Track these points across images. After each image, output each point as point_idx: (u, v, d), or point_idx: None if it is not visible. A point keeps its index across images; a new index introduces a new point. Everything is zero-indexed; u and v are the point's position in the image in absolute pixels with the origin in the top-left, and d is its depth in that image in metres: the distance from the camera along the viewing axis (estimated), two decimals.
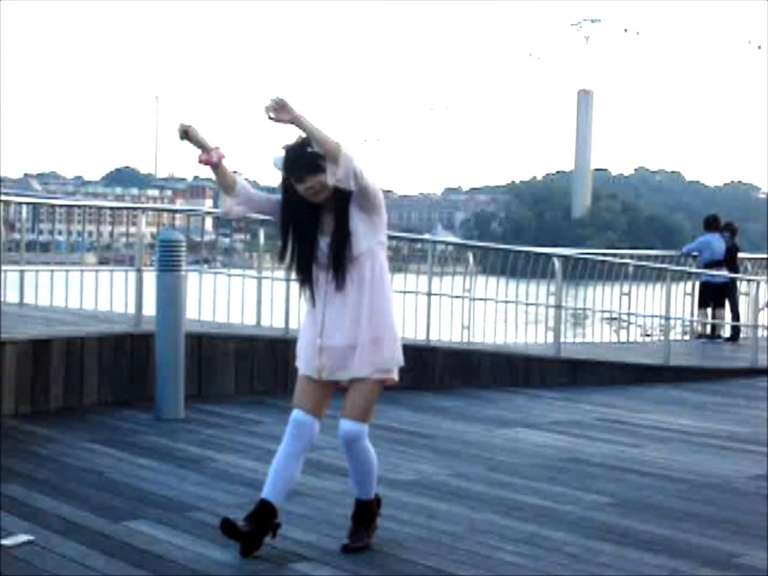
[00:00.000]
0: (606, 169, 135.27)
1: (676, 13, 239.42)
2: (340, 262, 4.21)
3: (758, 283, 13.37)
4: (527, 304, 11.86)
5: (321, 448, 6.02)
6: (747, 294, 13.91)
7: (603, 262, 13.12)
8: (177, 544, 4.40)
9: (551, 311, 11.08)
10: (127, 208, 10.63)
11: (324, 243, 4.26)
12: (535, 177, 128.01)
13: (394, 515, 4.97)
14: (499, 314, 11.25)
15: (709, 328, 14.36)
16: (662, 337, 12.22)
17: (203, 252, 11.64)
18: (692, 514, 5.34)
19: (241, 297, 9.43)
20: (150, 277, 7.87)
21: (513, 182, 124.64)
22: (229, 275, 9.82)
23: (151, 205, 14.21)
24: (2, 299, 8.27)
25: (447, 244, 12.83)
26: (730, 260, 14.32)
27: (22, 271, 9.38)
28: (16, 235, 10.00)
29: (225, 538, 4.29)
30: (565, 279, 11.26)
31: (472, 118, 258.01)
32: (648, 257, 15.15)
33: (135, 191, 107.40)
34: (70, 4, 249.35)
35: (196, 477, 5.65)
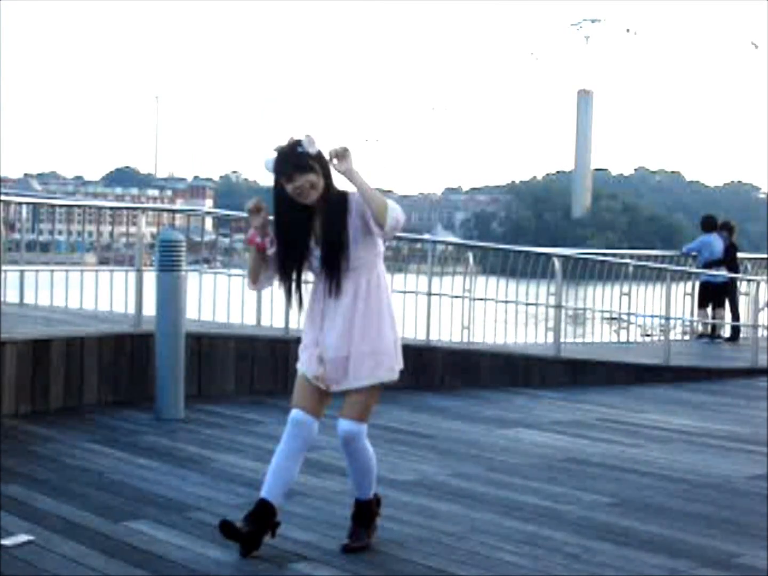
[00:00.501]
0: (606, 169, 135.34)
1: (676, 13, 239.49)
2: (333, 271, 4.21)
3: (758, 283, 13.37)
4: (527, 304, 11.86)
5: (321, 448, 6.03)
6: (747, 294, 13.92)
7: (603, 262, 13.13)
8: (177, 544, 4.40)
9: (551, 311, 11.08)
10: (127, 208, 10.65)
11: (318, 252, 4.27)
12: (535, 177, 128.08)
13: (394, 515, 4.97)
14: (499, 314, 11.25)
15: (709, 328, 14.36)
16: (662, 337, 12.22)
17: (203, 252, 11.64)
18: (692, 514, 5.34)
19: (241, 297, 9.43)
20: (150, 277, 7.87)
21: (513, 182, 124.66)
22: (229, 275, 9.81)
23: (151, 205, 14.24)
24: (2, 299, 8.26)
25: (447, 244, 12.83)
26: (729, 259, 14.33)
27: (22, 271, 9.38)
28: (17, 235, 10.01)
29: (224, 538, 4.29)
30: (565, 279, 11.26)
31: (472, 118, 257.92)
32: (648, 257, 15.15)
33: (135, 191, 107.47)
34: (70, 4, 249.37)
35: (196, 477, 5.66)
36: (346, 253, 4.19)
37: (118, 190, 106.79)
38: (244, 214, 11.58)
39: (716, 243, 14.30)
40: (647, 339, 13.83)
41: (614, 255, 14.64)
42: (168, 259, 7.33)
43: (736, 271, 14.50)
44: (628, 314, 13.21)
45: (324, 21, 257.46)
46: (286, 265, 4.30)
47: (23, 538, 4.38)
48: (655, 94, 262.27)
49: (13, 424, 6.78)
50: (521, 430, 7.59)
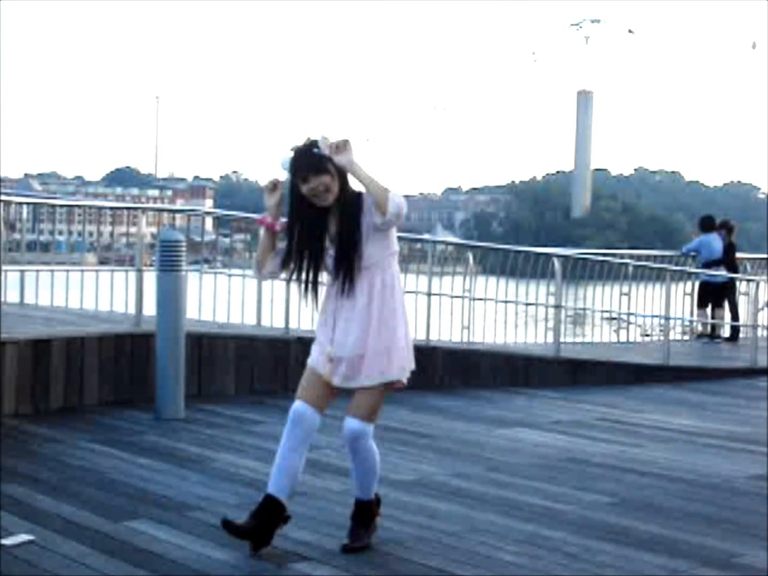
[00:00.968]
0: (606, 169, 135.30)
1: (676, 13, 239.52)
2: (347, 270, 4.22)
3: (757, 283, 13.37)
4: (527, 304, 11.87)
5: (321, 447, 6.04)
6: (746, 294, 13.92)
7: (603, 262, 13.13)
8: (177, 544, 4.41)
9: (551, 311, 11.09)
10: (128, 208, 10.63)
11: (329, 255, 4.28)
12: (534, 177, 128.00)
13: (394, 515, 4.97)
14: (499, 314, 11.25)
15: (708, 328, 14.37)
16: (662, 337, 12.23)
17: (203, 252, 11.64)
18: (692, 514, 5.34)
19: (241, 297, 9.43)
20: (150, 277, 7.88)
21: (513, 182, 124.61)
22: (230, 275, 9.82)
23: (151, 205, 14.20)
24: (3, 299, 8.27)
25: (447, 244, 12.84)
26: (728, 259, 14.34)
27: (22, 271, 9.38)
28: (17, 236, 10.00)
29: (225, 537, 4.30)
30: (564, 279, 11.27)
31: (472, 118, 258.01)
32: (647, 257, 15.16)
33: (135, 191, 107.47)
34: (70, 4, 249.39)
35: (197, 477, 5.66)
36: (359, 252, 4.20)
37: (119, 190, 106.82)
38: (244, 214, 11.56)
39: (715, 243, 14.31)
40: (647, 339, 13.83)
41: (614, 255, 14.64)
42: (168, 259, 7.34)
43: (735, 270, 14.51)
44: (628, 314, 13.21)
45: (324, 21, 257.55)
46: (303, 264, 4.30)
47: (23, 537, 4.38)
48: (654, 94, 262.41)
49: (13, 423, 6.78)
50: (521, 430, 7.59)
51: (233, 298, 9.50)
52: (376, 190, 4.11)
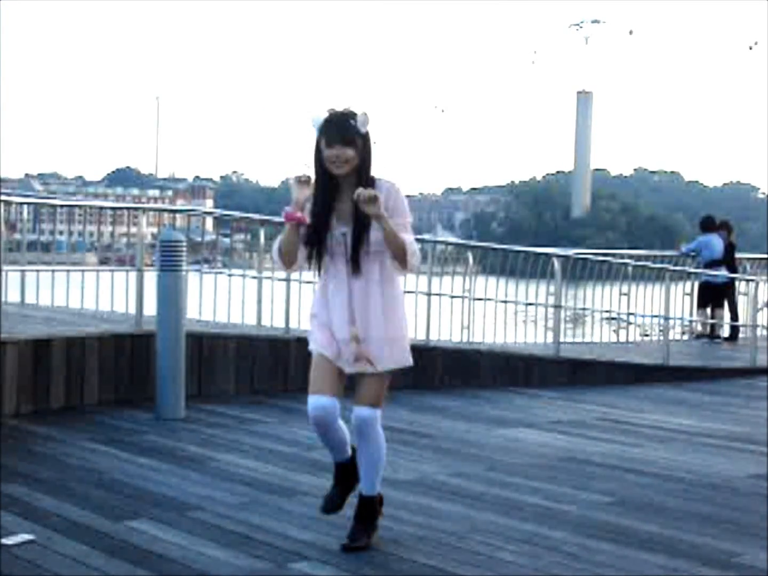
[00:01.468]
0: (605, 170, 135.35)
1: (676, 13, 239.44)
2: (358, 247, 4.23)
3: (757, 283, 13.38)
4: (527, 304, 11.87)
5: (321, 447, 6.03)
6: (746, 294, 13.93)
7: (602, 262, 13.13)
8: (177, 544, 4.41)
9: (551, 311, 11.09)
10: (128, 209, 10.61)
11: (339, 231, 4.26)
12: (534, 177, 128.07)
13: (395, 515, 4.97)
14: (499, 314, 11.26)
15: (708, 328, 14.37)
16: (661, 337, 12.23)
17: (204, 252, 11.64)
18: (692, 514, 5.35)
19: (241, 297, 9.44)
20: (151, 277, 7.88)
21: (512, 182, 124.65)
22: (230, 275, 9.82)
23: (151, 205, 14.19)
24: (4, 299, 8.27)
25: (447, 244, 12.84)
26: (728, 259, 14.35)
27: (23, 271, 9.38)
28: (18, 236, 10.00)
29: (225, 536, 4.30)
30: (564, 279, 11.27)
31: (472, 119, 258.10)
32: (647, 257, 15.16)
33: (136, 191, 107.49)
34: (70, 4, 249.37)
35: (197, 476, 5.66)
36: (368, 234, 4.22)
37: (119, 191, 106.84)
38: (244, 214, 11.53)
39: (716, 243, 14.32)
40: (647, 339, 13.84)
41: (613, 255, 14.64)
42: (169, 259, 7.34)
43: (735, 270, 14.52)
44: (628, 314, 13.21)
45: (325, 21, 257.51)
46: (314, 227, 4.27)
47: (24, 537, 4.39)
48: (654, 94, 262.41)
49: (14, 423, 6.79)
50: (521, 430, 7.59)
51: (233, 298, 9.51)
52: (398, 245, 4.17)
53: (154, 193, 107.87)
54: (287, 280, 9.16)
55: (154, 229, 9.96)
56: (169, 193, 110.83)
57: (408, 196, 4.53)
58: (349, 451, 4.47)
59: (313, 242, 4.28)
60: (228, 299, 9.49)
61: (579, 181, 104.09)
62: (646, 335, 13.98)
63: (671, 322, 12.48)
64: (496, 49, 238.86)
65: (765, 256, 17.01)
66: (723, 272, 14.06)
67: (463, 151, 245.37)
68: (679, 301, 14.02)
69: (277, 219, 10.01)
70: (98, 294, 9.35)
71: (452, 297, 10.92)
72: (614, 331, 13.70)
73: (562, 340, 10.84)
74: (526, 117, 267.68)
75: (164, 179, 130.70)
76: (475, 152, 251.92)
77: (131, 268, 8.79)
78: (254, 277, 9.53)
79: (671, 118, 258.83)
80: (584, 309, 13.26)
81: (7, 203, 8.57)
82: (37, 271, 9.55)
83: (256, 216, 10.30)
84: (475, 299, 10.94)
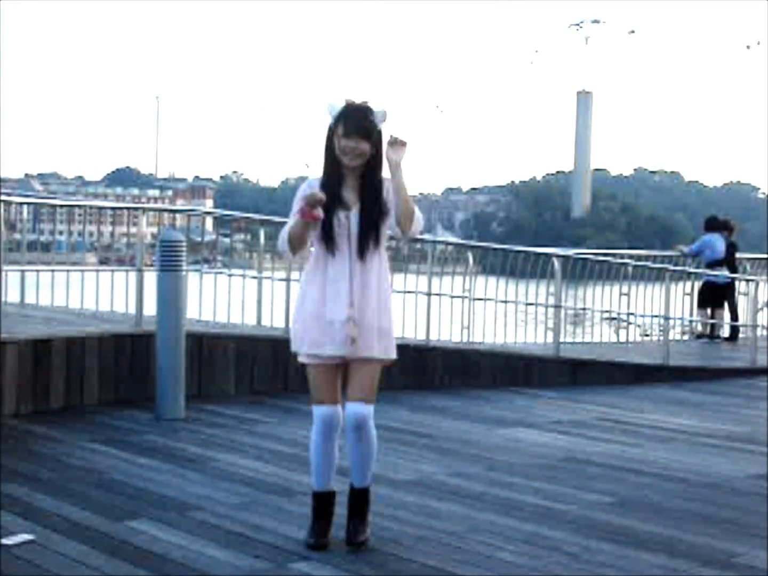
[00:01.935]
0: (605, 170, 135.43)
1: (676, 13, 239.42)
2: (368, 232, 4.25)
3: (757, 283, 13.38)
4: (527, 304, 11.86)
5: None
6: (746, 294, 13.93)
7: (602, 262, 13.13)
8: (177, 544, 4.41)
9: (551, 311, 11.09)
10: (128, 208, 10.61)
11: (343, 215, 4.28)
12: (534, 177, 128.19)
13: (395, 515, 4.97)
14: (499, 314, 11.26)
15: (708, 328, 14.37)
16: (661, 337, 12.23)
17: (204, 252, 11.64)
18: (692, 514, 5.35)
19: (241, 297, 9.43)
20: (151, 277, 7.88)
21: (512, 182, 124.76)
22: (230, 275, 9.82)
23: (151, 205, 14.17)
24: (3, 299, 8.27)
25: (447, 244, 12.83)
26: (729, 259, 14.35)
27: (23, 271, 9.38)
28: (17, 236, 10.00)
29: (226, 536, 4.30)
30: (564, 279, 11.27)
31: (472, 118, 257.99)
32: (647, 257, 15.16)
33: (136, 191, 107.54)
34: (70, 4, 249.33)
35: (197, 477, 5.66)
36: (374, 216, 4.25)
37: (119, 190, 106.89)
38: (244, 214, 11.50)
39: (718, 243, 14.32)
40: (647, 339, 13.83)
41: (613, 255, 14.64)
42: (169, 259, 7.34)
43: (735, 270, 14.53)
44: (628, 314, 13.21)
45: (325, 21, 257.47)
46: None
47: (24, 537, 4.39)
48: (654, 94, 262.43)
49: (13, 423, 6.78)
50: (521, 430, 7.59)
51: (233, 298, 9.51)
52: (408, 204, 4.22)
53: (154, 193, 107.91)
54: (287, 280, 9.15)
55: (154, 229, 9.96)
56: (169, 193, 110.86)
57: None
58: (333, 479, 4.48)
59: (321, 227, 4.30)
60: (228, 299, 9.49)
61: (579, 181, 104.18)
62: (646, 335, 13.97)
63: (671, 322, 12.48)
64: (497, 49, 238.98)
65: (765, 256, 17.01)
66: (724, 272, 14.06)
67: (463, 151, 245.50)
68: (679, 301, 14.01)
69: (277, 219, 10.03)
70: (98, 294, 9.35)
71: (452, 297, 10.92)
72: (614, 331, 13.70)
73: (562, 340, 10.84)
74: (526, 117, 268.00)
75: (164, 179, 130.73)
76: (475, 152, 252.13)
77: (131, 268, 8.78)
78: (254, 277, 9.53)
79: (671, 118, 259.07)
80: (584, 309, 13.25)
81: (7, 203, 8.57)
82: (37, 271, 9.55)
83: (256, 216, 10.30)
84: (475, 299, 10.93)
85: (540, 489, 5.73)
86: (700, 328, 14.58)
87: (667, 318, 12.00)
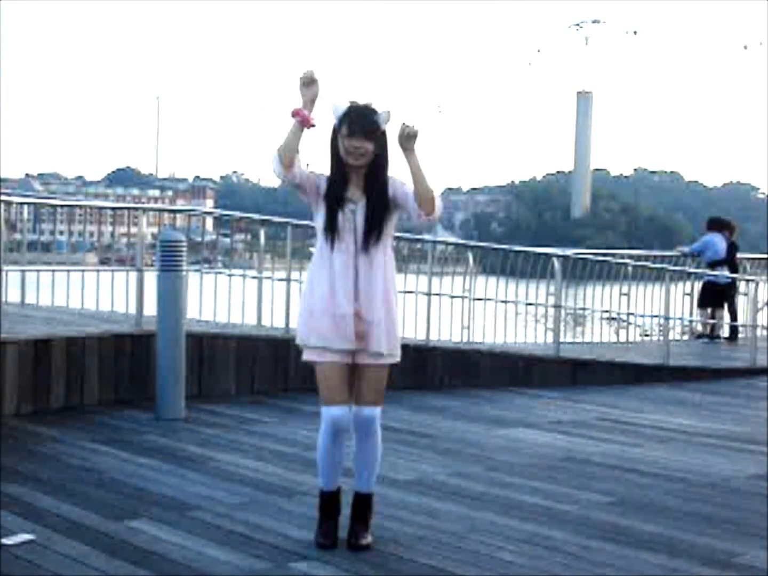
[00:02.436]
0: (605, 170, 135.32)
1: (676, 14, 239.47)
2: (373, 227, 4.28)
3: (757, 283, 13.38)
4: (527, 304, 11.86)
5: None
6: (746, 294, 13.93)
7: (602, 262, 13.13)
8: (178, 543, 4.41)
9: (551, 311, 11.09)
10: (128, 209, 10.61)
11: (348, 209, 4.30)
12: (534, 177, 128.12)
13: (395, 515, 4.98)
14: (499, 314, 11.26)
15: (708, 328, 14.37)
16: (661, 337, 12.23)
17: (204, 252, 11.64)
18: (692, 514, 5.35)
19: (241, 297, 9.44)
20: (151, 277, 7.88)
21: (513, 182, 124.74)
22: (230, 275, 9.82)
23: (152, 205, 14.19)
24: (4, 299, 8.27)
25: (447, 244, 12.83)
26: (730, 259, 14.35)
27: (23, 271, 9.38)
28: (18, 236, 10.00)
29: (226, 536, 4.29)
30: (564, 279, 11.27)
31: (472, 119, 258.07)
32: (647, 257, 15.16)
33: (136, 191, 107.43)
34: (70, 4, 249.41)
35: (197, 476, 5.67)
36: (380, 210, 4.28)
37: (119, 191, 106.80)
38: (245, 214, 11.50)
39: (719, 243, 14.32)
40: (646, 339, 13.84)
41: (613, 255, 14.64)
42: (169, 259, 7.34)
43: (736, 270, 14.53)
44: (628, 314, 13.21)
45: (326, 21, 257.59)
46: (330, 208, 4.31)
47: (24, 537, 4.39)
48: (654, 94, 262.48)
49: (14, 423, 6.79)
50: (521, 430, 7.60)
51: (233, 298, 9.51)
52: (427, 186, 4.25)
53: (154, 193, 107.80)
54: (287, 280, 9.16)
55: (155, 229, 9.97)
56: (170, 193, 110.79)
57: None
58: (340, 478, 4.48)
59: (327, 219, 4.31)
60: (228, 299, 9.49)
61: (579, 181, 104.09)
62: (646, 335, 13.97)
63: (671, 322, 12.48)
64: (497, 49, 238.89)
65: (765, 256, 17.01)
66: (725, 272, 14.06)
67: (463, 151, 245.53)
68: (679, 301, 14.02)
69: (277, 219, 10.04)
70: (98, 294, 9.35)
71: (452, 297, 10.92)
72: (614, 331, 13.70)
73: (562, 340, 10.84)
74: (526, 117, 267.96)
75: (164, 179, 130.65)
76: (475, 152, 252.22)
77: (131, 268, 8.79)
78: (254, 277, 9.53)
79: (671, 118, 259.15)
80: (584, 309, 13.25)
81: (8, 203, 8.57)
82: (38, 271, 9.56)
83: (256, 216, 10.30)
84: (475, 299, 10.94)
85: (540, 489, 5.73)
86: (699, 328, 14.58)
87: (667, 318, 12.00)
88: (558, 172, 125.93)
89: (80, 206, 10.67)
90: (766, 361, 11.88)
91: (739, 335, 14.36)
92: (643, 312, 13.21)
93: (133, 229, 9.14)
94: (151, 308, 7.80)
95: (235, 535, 4.56)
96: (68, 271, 9.67)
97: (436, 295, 10.41)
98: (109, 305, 9.45)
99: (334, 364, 4.31)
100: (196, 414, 7.42)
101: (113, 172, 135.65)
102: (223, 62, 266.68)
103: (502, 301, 11.42)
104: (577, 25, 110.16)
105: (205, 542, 4.44)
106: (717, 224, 14.65)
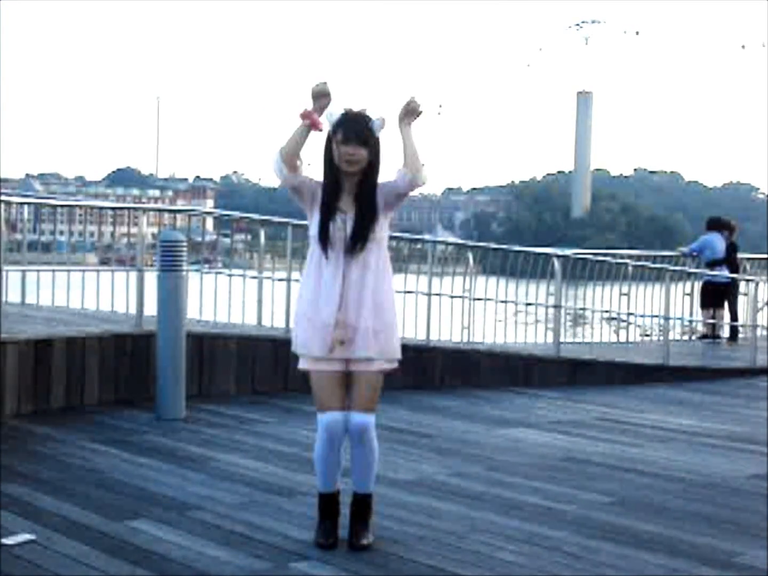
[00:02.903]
0: (605, 170, 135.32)
1: (676, 14, 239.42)
2: (361, 232, 4.29)
3: (757, 283, 13.38)
4: (527, 304, 11.86)
5: None
6: (746, 294, 13.93)
7: (602, 262, 13.12)
8: (178, 543, 4.41)
9: (551, 311, 11.09)
10: (129, 209, 10.61)
11: (340, 218, 4.31)
12: (534, 177, 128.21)
13: (395, 514, 4.98)
14: (499, 314, 11.26)
15: (710, 329, 14.36)
16: (661, 337, 12.24)
17: (204, 252, 11.63)
18: (692, 514, 5.35)
19: (241, 297, 9.44)
20: (151, 277, 7.89)
21: (513, 182, 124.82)
22: (230, 275, 9.82)
23: (152, 205, 14.18)
24: (4, 299, 8.27)
25: (447, 244, 12.83)
26: (730, 258, 14.35)
27: (24, 271, 9.39)
28: (18, 236, 10.01)
29: (226, 536, 4.30)
30: (564, 279, 11.27)
31: (473, 119, 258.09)
32: (647, 257, 15.16)
33: (136, 191, 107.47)
34: (70, 4, 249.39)
35: (197, 476, 5.67)
36: (368, 219, 4.30)
37: (120, 191, 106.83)
38: (245, 214, 11.50)
39: (718, 242, 14.32)
40: (647, 339, 13.83)
41: (613, 255, 14.64)
42: (169, 260, 7.34)
43: (736, 270, 14.53)
44: (628, 314, 13.21)
45: (326, 22, 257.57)
46: (322, 218, 4.33)
47: (24, 537, 4.39)
48: (654, 94, 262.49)
49: (14, 423, 6.79)
50: (521, 430, 7.60)
51: (234, 298, 9.51)
52: (417, 157, 4.30)
53: (154, 193, 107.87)
54: (287, 280, 9.16)
55: (155, 229, 9.96)
56: (170, 193, 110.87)
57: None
58: (339, 479, 4.50)
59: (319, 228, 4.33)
60: (228, 299, 9.49)
61: (579, 181, 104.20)
62: (646, 335, 13.97)
63: (671, 322, 12.48)
64: (497, 49, 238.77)
65: (765, 256, 17.01)
66: (724, 272, 14.06)
67: (463, 151, 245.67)
68: (679, 301, 14.01)
69: (277, 219, 10.03)
70: (99, 294, 9.36)
71: (452, 297, 10.92)
72: (614, 331, 13.70)
73: (562, 340, 10.84)
74: (527, 117, 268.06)
75: (165, 179, 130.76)
76: (475, 152, 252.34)
77: (132, 268, 8.79)
78: (254, 277, 9.53)
79: (671, 118, 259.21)
80: (584, 309, 13.25)
81: (8, 203, 8.57)
82: (38, 271, 9.56)
83: (256, 216, 10.29)
84: (475, 299, 10.94)
85: (540, 489, 5.73)
86: (700, 328, 14.58)
87: (666, 318, 12.00)
88: (558, 172, 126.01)
89: (80, 206, 10.66)
90: (766, 361, 11.88)
91: (739, 335, 14.36)
92: (643, 312, 13.21)
93: (134, 230, 9.14)
94: (151, 308, 7.81)
95: (235, 535, 4.56)
96: (68, 271, 9.67)
97: (436, 295, 10.41)
98: (109, 305, 9.45)
99: (325, 372, 4.34)
100: (196, 414, 7.43)
101: (113, 172, 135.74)
102: (223, 62, 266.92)
103: (502, 301, 11.43)
104: (577, 25, 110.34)
105: (205, 542, 4.45)
106: (716, 224, 14.66)
